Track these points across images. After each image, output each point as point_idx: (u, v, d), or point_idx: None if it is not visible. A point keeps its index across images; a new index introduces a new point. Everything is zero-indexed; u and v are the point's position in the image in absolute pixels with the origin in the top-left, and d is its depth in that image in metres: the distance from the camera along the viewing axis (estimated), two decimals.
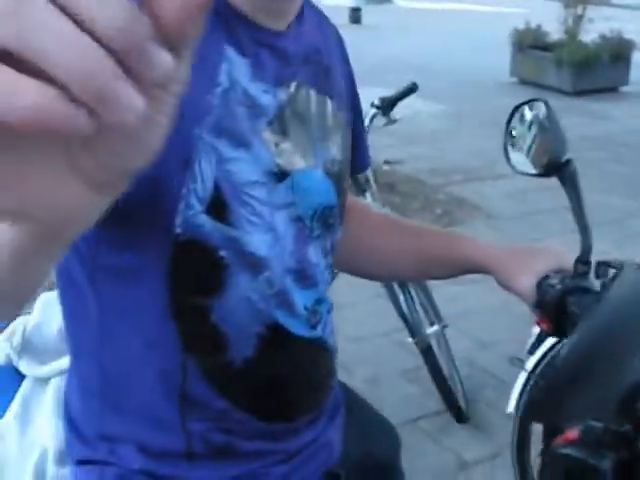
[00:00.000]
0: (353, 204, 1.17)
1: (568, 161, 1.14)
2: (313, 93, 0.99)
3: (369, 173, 2.87)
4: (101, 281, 0.91)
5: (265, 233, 0.91)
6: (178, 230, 0.85)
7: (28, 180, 0.36)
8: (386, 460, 1.32)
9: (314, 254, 0.99)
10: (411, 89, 3.00)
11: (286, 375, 1.01)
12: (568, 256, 1.14)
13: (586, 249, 1.12)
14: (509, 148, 1.23)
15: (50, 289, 1.23)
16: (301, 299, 0.99)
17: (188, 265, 0.88)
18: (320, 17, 1.09)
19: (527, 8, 15.64)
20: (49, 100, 0.32)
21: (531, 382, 2.39)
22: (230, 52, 0.87)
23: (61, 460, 1.25)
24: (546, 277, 1.12)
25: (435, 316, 3.07)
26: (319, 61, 1.02)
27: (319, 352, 1.05)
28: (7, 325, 1.38)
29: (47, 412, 1.30)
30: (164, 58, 0.34)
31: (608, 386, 0.87)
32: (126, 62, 0.33)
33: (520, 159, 1.21)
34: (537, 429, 2.43)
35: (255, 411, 0.99)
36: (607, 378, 0.88)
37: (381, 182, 3.73)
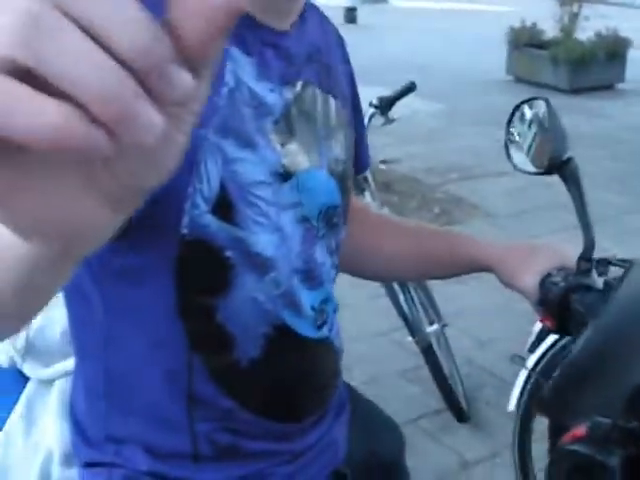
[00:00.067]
0: (353, 204, 1.17)
1: (569, 159, 1.14)
2: (318, 92, 1.00)
3: (368, 173, 2.88)
4: (107, 282, 0.91)
5: (272, 233, 0.91)
6: (184, 230, 0.85)
7: (45, 197, 0.36)
8: (391, 459, 1.32)
9: (320, 254, 1.00)
10: (409, 88, 3.00)
11: (292, 376, 1.01)
12: (570, 253, 1.14)
13: (589, 246, 1.12)
14: (510, 147, 1.24)
15: None
16: (308, 299, 0.99)
17: (194, 265, 0.88)
18: (321, 17, 1.09)
19: (522, 6, 15.64)
20: (69, 121, 0.32)
21: (532, 380, 2.39)
22: (235, 52, 0.87)
23: (67, 462, 1.25)
24: (549, 275, 1.12)
25: (435, 315, 3.08)
26: (321, 60, 1.02)
27: (325, 353, 1.06)
28: None
29: (52, 414, 1.31)
30: (184, 79, 0.34)
31: (616, 383, 0.87)
32: (146, 82, 0.33)
33: (521, 158, 1.22)
34: (538, 427, 2.44)
35: (261, 411, 0.99)
36: (615, 376, 0.88)
37: (378, 181, 3.73)
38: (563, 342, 2.26)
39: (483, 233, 4.53)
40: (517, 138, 1.23)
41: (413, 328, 2.98)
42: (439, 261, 1.25)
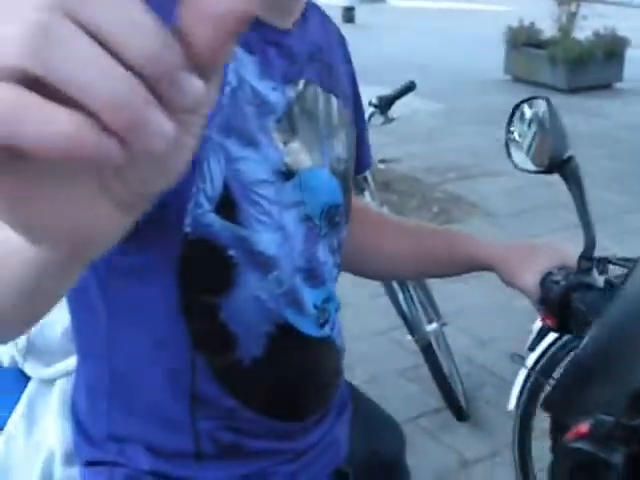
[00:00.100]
0: (353, 203, 1.17)
1: (570, 157, 1.15)
2: (320, 91, 1.00)
3: (367, 172, 2.88)
4: (109, 281, 0.91)
5: (274, 232, 0.91)
6: (187, 229, 0.85)
7: (56, 204, 0.36)
8: (392, 458, 1.33)
9: (322, 253, 1.00)
10: (409, 87, 3.00)
11: (295, 374, 1.01)
12: (571, 252, 1.15)
13: (589, 245, 1.13)
14: (510, 146, 1.24)
15: None
16: (310, 298, 0.99)
17: (197, 264, 0.88)
18: (322, 16, 1.09)
19: (520, 5, 15.65)
20: (80, 129, 0.32)
21: (531, 379, 2.40)
22: (237, 50, 0.87)
23: (68, 461, 1.25)
24: (549, 273, 1.13)
25: (434, 314, 3.08)
26: (322, 59, 1.03)
27: (328, 351, 1.06)
28: None
29: (53, 413, 1.31)
30: (195, 85, 0.34)
31: (620, 382, 0.87)
32: (157, 89, 0.33)
33: (521, 157, 1.22)
34: (538, 426, 2.44)
35: (264, 410, 0.99)
36: (619, 374, 0.88)
37: (377, 181, 3.73)
38: (563, 341, 2.27)
39: (482, 232, 4.53)
40: (517, 137, 1.23)
41: (412, 327, 2.99)
42: (439, 260, 1.26)
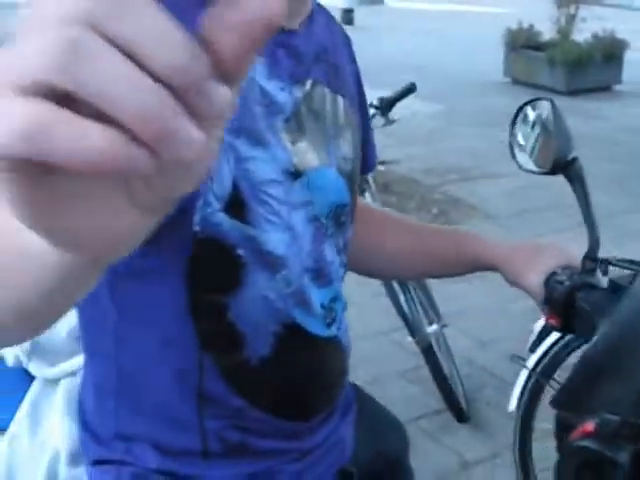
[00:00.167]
0: (357, 203, 1.17)
1: (574, 159, 1.15)
2: (327, 91, 1.00)
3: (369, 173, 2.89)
4: (118, 282, 0.91)
5: (283, 232, 0.92)
6: (196, 228, 0.85)
7: (84, 213, 0.36)
8: (396, 458, 1.33)
9: (329, 252, 1.00)
10: (410, 89, 3.01)
11: (302, 374, 1.02)
12: (575, 252, 1.15)
13: (594, 245, 1.13)
14: (514, 147, 1.24)
15: None
16: (318, 297, 0.99)
17: (206, 263, 0.89)
18: (328, 17, 1.10)
19: (519, 8, 15.67)
20: (113, 143, 0.32)
21: (532, 380, 2.40)
22: None
23: (73, 461, 1.25)
24: (554, 274, 1.13)
25: (435, 315, 3.08)
26: (329, 60, 1.03)
27: (334, 351, 1.06)
28: None
29: (58, 413, 1.31)
30: (222, 93, 0.34)
31: (629, 380, 0.88)
32: (185, 99, 0.33)
33: (525, 158, 1.23)
34: (539, 427, 2.45)
35: (271, 410, 1.00)
36: (629, 372, 0.89)
37: (377, 182, 3.74)
38: (564, 342, 2.27)
39: (482, 234, 4.53)
40: (521, 139, 1.24)
41: (413, 328, 2.99)
42: (444, 259, 1.26)
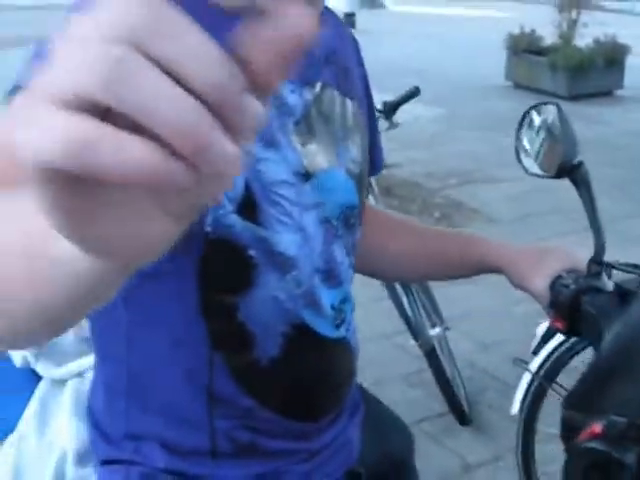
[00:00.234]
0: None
1: (580, 163, 1.16)
2: (336, 94, 1.01)
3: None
4: (130, 284, 0.92)
5: (295, 233, 0.93)
6: (208, 229, 0.86)
7: (118, 222, 0.37)
8: (401, 458, 1.34)
9: (339, 253, 1.01)
10: (413, 93, 3.02)
11: (311, 375, 1.02)
12: (580, 256, 1.16)
13: (599, 249, 1.14)
14: (520, 152, 1.25)
15: None
16: (328, 299, 1.00)
17: (218, 264, 0.89)
18: (336, 20, 1.11)
19: (520, 12, 15.69)
20: (154, 158, 0.33)
21: (535, 383, 2.41)
22: None
23: (81, 461, 1.26)
24: (559, 277, 1.14)
25: (437, 318, 3.09)
26: (338, 62, 1.04)
27: (343, 352, 1.07)
28: None
29: (66, 413, 1.31)
30: (255, 108, 0.35)
31: (636, 383, 0.88)
32: (220, 114, 0.34)
33: (531, 162, 1.24)
34: (541, 430, 2.45)
35: (281, 410, 1.00)
36: (636, 376, 0.90)
37: (380, 185, 3.74)
38: (567, 345, 2.28)
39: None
40: (526, 143, 1.24)
41: (416, 331, 2.99)
42: (448, 261, 1.26)
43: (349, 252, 1.04)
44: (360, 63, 1.15)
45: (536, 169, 1.23)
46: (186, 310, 0.91)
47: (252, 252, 0.89)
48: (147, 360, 0.98)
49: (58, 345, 1.37)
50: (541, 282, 1.14)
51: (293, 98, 0.93)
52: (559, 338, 2.25)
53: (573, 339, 2.21)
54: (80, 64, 0.32)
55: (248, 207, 0.87)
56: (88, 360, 1.32)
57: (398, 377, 3.39)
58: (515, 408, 2.46)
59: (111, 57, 0.32)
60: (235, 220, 0.87)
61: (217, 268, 0.90)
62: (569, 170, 1.16)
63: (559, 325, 1.12)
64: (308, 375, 1.02)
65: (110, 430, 1.04)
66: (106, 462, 1.04)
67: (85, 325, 1.14)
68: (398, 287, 2.97)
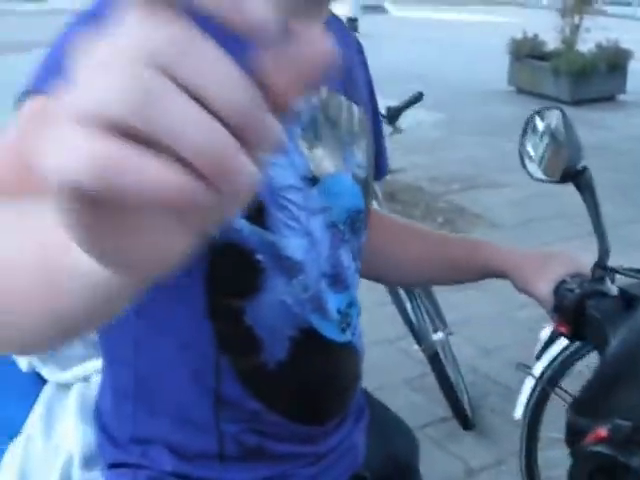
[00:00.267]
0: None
1: (584, 168, 1.17)
2: (343, 99, 1.02)
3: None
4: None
5: (302, 237, 0.93)
6: (216, 233, 0.86)
7: (139, 237, 0.38)
8: (406, 462, 1.34)
9: (346, 258, 1.01)
10: (416, 98, 3.03)
11: (317, 378, 1.03)
12: (584, 261, 1.17)
13: (603, 254, 1.15)
14: (524, 157, 1.26)
15: None
16: (334, 303, 1.00)
17: (225, 268, 0.90)
18: (341, 24, 1.11)
19: (522, 17, 15.71)
20: (177, 179, 0.33)
21: (538, 388, 2.41)
22: None
23: (87, 465, 1.26)
24: (563, 282, 1.14)
25: (440, 323, 3.09)
26: (344, 67, 1.04)
27: (348, 356, 1.07)
28: None
29: (71, 417, 1.32)
30: (275, 128, 0.36)
31: (639, 389, 0.89)
32: (242, 135, 0.35)
33: (535, 167, 1.24)
34: (544, 435, 2.45)
35: (287, 413, 1.01)
36: (638, 381, 0.90)
37: (384, 190, 3.75)
38: (571, 349, 2.28)
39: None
40: (530, 149, 1.25)
41: (419, 336, 3.00)
42: (453, 265, 1.27)
43: (355, 257, 1.05)
44: (365, 68, 1.16)
45: (540, 174, 1.23)
46: (193, 313, 0.92)
47: (259, 256, 0.90)
48: (154, 363, 0.98)
49: (64, 349, 1.38)
50: (545, 286, 1.15)
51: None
52: (562, 343, 2.25)
53: (576, 344, 2.21)
54: (108, 86, 0.32)
55: (256, 211, 0.88)
56: (93, 364, 1.33)
57: (401, 382, 3.40)
58: (518, 412, 2.46)
59: (139, 80, 0.32)
60: (243, 224, 0.87)
61: (225, 272, 0.90)
62: (573, 175, 1.16)
63: (563, 329, 1.13)
64: (315, 379, 1.02)
65: (117, 433, 1.04)
66: (113, 465, 1.04)
67: None
68: (402, 292, 2.98)
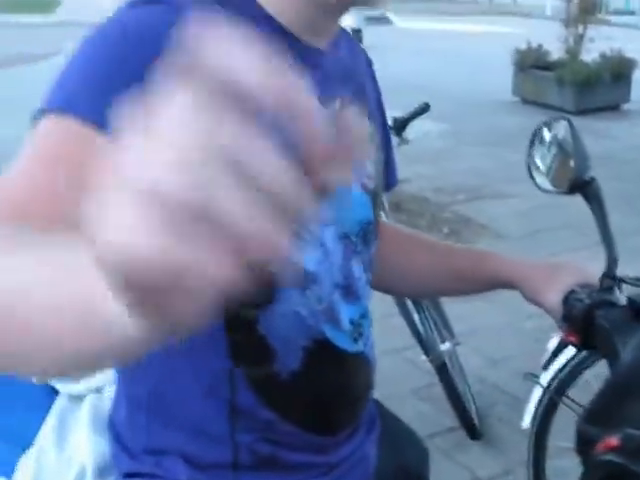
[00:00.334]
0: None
1: (592, 179, 1.18)
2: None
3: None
4: None
5: (315, 249, 0.94)
6: None
7: (179, 302, 0.39)
8: (417, 473, 1.34)
9: (357, 269, 1.02)
10: (423, 109, 3.04)
11: (330, 388, 1.03)
12: (592, 271, 1.17)
13: (612, 264, 1.16)
14: (532, 168, 1.27)
15: None
16: (347, 313, 1.01)
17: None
18: (350, 38, 1.12)
19: (526, 28, 15.72)
20: (228, 269, 0.36)
21: (546, 397, 2.41)
22: None
23: (100, 475, 1.27)
24: (572, 292, 1.15)
25: (448, 333, 3.09)
26: (354, 80, 1.05)
27: (361, 366, 1.08)
28: None
29: (84, 429, 1.32)
30: (314, 207, 0.38)
31: None
32: (283, 216, 0.37)
33: (542, 178, 1.25)
34: (552, 444, 2.45)
35: (301, 423, 1.01)
36: None
37: (389, 201, 3.76)
38: (578, 359, 2.28)
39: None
40: (538, 160, 1.26)
41: (427, 347, 2.99)
42: (460, 276, 1.27)
43: (366, 268, 1.06)
44: (373, 80, 1.17)
45: (548, 185, 1.24)
46: (208, 323, 0.92)
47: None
48: (168, 376, 0.99)
49: None
50: (554, 297, 1.15)
51: None
52: (570, 352, 2.26)
53: (583, 353, 2.22)
54: (168, 166, 0.34)
55: None
56: (106, 376, 1.33)
57: (409, 392, 3.40)
58: (526, 422, 2.45)
59: (209, 170, 0.34)
60: None
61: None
62: (581, 186, 1.17)
63: (573, 339, 1.13)
64: (327, 388, 1.03)
65: (132, 444, 1.05)
66: (128, 475, 1.05)
67: None
68: (409, 303, 2.98)
